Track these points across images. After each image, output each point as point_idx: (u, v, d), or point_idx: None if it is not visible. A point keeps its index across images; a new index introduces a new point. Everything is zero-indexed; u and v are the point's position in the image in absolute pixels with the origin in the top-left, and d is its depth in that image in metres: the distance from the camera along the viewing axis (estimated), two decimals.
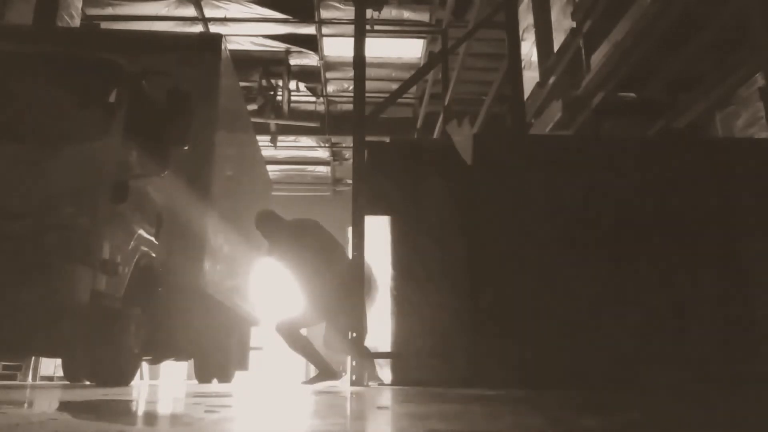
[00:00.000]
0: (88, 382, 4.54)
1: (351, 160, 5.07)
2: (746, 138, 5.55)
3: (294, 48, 10.50)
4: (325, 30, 9.89)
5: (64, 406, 2.24)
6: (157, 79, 4.37)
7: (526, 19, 6.73)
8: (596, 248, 4.19)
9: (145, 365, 9.83)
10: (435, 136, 9.99)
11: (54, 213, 3.46)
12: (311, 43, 10.29)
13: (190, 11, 9.33)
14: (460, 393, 2.93)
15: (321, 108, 12.15)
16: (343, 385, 5.24)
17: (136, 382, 4.66)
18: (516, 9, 6.17)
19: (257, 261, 7.26)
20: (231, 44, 9.16)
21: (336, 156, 13.63)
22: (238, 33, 9.90)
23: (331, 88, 11.74)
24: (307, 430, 1.38)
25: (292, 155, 13.57)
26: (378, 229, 4.37)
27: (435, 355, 4.11)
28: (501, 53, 7.44)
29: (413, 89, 11.04)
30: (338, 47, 10.31)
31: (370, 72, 7.14)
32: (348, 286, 4.36)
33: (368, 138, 4.68)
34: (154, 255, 4.35)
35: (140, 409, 2.07)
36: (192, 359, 6.71)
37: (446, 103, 9.09)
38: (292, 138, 12.60)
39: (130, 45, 5.23)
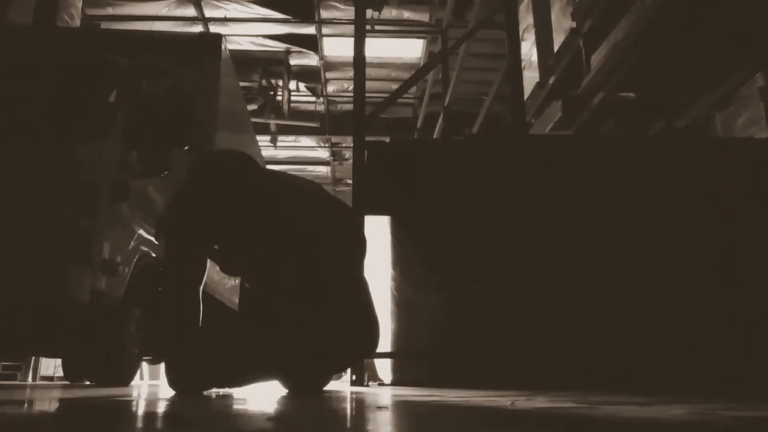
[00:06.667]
0: (88, 382, 4.54)
1: (351, 160, 5.08)
2: (746, 138, 5.54)
3: (294, 48, 10.51)
4: (325, 30, 9.90)
5: (64, 406, 2.24)
6: (157, 79, 4.37)
7: (526, 19, 6.74)
8: (596, 248, 4.19)
9: (145, 365, 9.83)
10: (435, 136, 10.00)
11: (54, 213, 3.46)
12: (311, 43, 10.29)
13: (190, 11, 9.34)
14: (461, 393, 2.93)
15: (321, 108, 12.16)
16: (343, 385, 5.24)
17: (136, 382, 4.66)
18: (516, 9, 6.17)
19: None
20: (231, 44, 9.16)
21: (336, 156, 13.63)
22: (238, 33, 9.90)
23: (331, 88, 11.75)
24: (307, 430, 1.38)
25: (292, 155, 13.58)
26: (378, 229, 4.37)
27: (435, 355, 4.12)
28: (501, 53, 7.45)
29: (413, 89, 11.04)
30: (338, 47, 10.31)
31: (370, 72, 7.15)
32: None
33: (368, 138, 4.68)
34: (154, 255, 4.34)
35: (140, 409, 2.07)
36: None
37: (446, 103, 9.10)
38: (292, 138, 12.61)
39: (130, 45, 5.22)
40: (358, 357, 2.79)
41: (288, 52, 10.78)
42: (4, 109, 3.91)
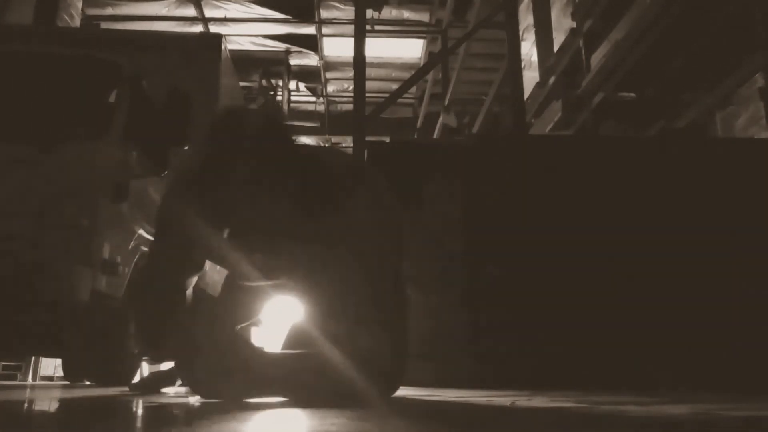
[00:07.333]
0: (88, 382, 4.54)
1: None
2: (746, 138, 5.54)
3: (294, 48, 10.52)
4: (325, 30, 9.90)
5: (64, 406, 2.24)
6: (157, 79, 4.37)
7: (526, 19, 6.73)
8: (595, 248, 4.19)
9: (145, 365, 9.82)
10: (435, 136, 10.00)
11: (54, 213, 3.46)
12: (311, 43, 10.30)
13: (190, 11, 9.34)
14: (461, 393, 2.93)
15: (321, 108, 12.16)
16: None
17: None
18: (516, 9, 6.17)
19: None
20: (231, 44, 9.16)
21: None
22: (238, 33, 9.91)
23: (331, 88, 11.75)
24: (306, 430, 1.38)
25: None
26: None
27: (434, 356, 4.11)
28: (501, 53, 7.44)
29: (413, 89, 11.05)
30: (338, 47, 10.32)
31: (370, 72, 7.14)
32: None
33: (368, 138, 4.68)
34: None
35: (140, 409, 2.07)
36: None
37: (446, 103, 9.10)
38: None
39: (130, 45, 5.22)
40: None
41: (288, 52, 10.79)
42: (4, 109, 3.91)
